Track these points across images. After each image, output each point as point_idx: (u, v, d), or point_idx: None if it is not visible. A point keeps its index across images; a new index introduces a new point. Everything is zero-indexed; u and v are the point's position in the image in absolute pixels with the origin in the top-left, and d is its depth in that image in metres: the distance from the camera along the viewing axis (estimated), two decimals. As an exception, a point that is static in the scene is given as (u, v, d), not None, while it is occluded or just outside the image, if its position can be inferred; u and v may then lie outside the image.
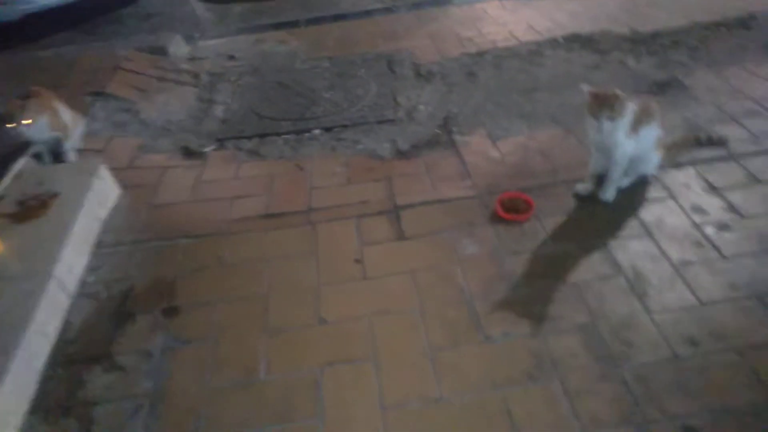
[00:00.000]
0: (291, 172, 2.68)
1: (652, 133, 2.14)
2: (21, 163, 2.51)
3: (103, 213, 2.39)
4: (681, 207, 2.18)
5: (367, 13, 4.79)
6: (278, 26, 4.71)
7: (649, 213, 2.17)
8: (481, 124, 2.89)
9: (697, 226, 2.08)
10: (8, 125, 2.45)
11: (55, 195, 2.27)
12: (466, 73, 3.47)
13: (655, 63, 3.22)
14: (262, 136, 3.05)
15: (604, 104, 1.93)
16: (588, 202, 2.26)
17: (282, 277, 2.08)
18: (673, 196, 2.23)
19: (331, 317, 1.91)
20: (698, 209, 2.16)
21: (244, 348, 1.83)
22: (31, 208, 2.21)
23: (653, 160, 2.22)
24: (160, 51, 3.98)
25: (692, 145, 2.41)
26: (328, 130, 3.05)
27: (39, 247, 2.05)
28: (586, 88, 1.99)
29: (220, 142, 3.01)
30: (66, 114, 2.71)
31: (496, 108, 3.03)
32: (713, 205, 2.17)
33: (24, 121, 2.45)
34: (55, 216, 2.18)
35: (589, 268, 1.98)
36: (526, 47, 3.65)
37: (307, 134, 3.03)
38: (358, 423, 1.60)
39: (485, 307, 1.89)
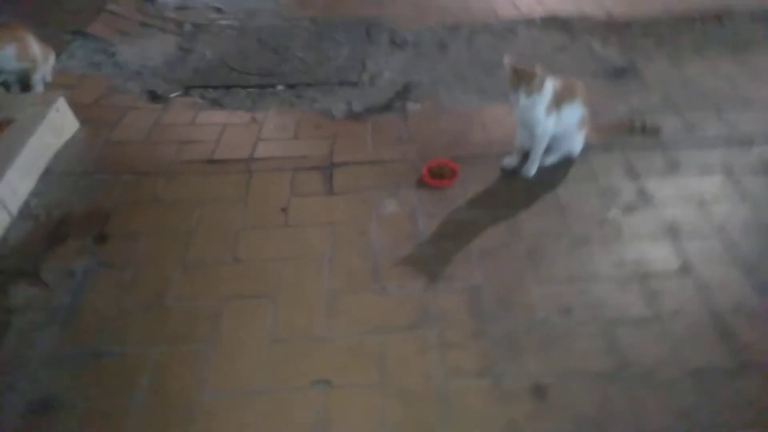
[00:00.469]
0: (244, 123, 2.78)
1: (575, 112, 2.21)
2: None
3: (57, 143, 2.52)
4: (598, 188, 2.26)
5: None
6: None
7: (565, 191, 2.26)
8: (437, 94, 2.96)
9: (605, 208, 2.17)
10: None
11: (9, 121, 2.40)
12: (438, 44, 3.52)
13: (620, 49, 3.24)
14: (228, 87, 3.15)
15: (521, 79, 2.00)
16: (512, 175, 2.35)
17: (210, 217, 2.21)
18: (593, 177, 2.31)
19: (244, 257, 2.04)
20: (612, 191, 2.24)
21: (158, 276, 1.98)
22: (-15, 131, 2.35)
23: (577, 140, 2.30)
24: (148, -2, 4.06)
25: (626, 130, 2.47)
26: (291, 87, 3.14)
27: (-15, 168, 2.19)
28: (507, 60, 2.06)
29: (187, 90, 3.12)
30: (35, 47, 2.82)
31: (456, 80, 3.09)
32: (628, 189, 2.25)
33: None
34: (5, 140, 2.31)
35: (494, 236, 2.08)
36: (502, 24, 3.68)
37: (270, 89, 3.12)
38: (245, 352, 1.74)
39: (390, 261, 2.01)
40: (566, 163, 2.38)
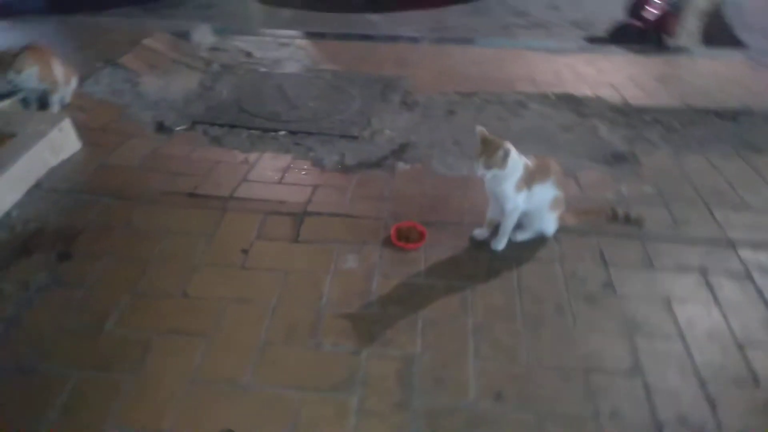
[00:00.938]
0: (236, 163, 2.86)
1: (547, 192, 2.17)
2: (4, 104, 2.81)
3: (54, 161, 2.65)
4: (562, 272, 2.19)
5: (394, 39, 4.99)
6: (310, 35, 4.97)
7: (528, 270, 2.19)
8: (430, 157, 2.97)
9: (565, 293, 2.09)
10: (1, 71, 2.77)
11: (12, 135, 2.54)
12: (447, 110, 3.57)
13: (625, 136, 3.20)
14: (232, 126, 3.26)
15: (486, 150, 1.99)
16: (480, 247, 2.31)
17: (172, 249, 2.25)
18: (560, 260, 2.24)
19: (193, 293, 2.06)
20: (577, 278, 2.16)
21: (105, 301, 2.00)
22: (-13, 143, 2.49)
23: (549, 220, 2.25)
24: (185, 36, 4.31)
25: (608, 218, 2.41)
26: (293, 133, 3.23)
27: (-23, 175, 2.32)
28: (479, 128, 2.06)
29: (194, 125, 3.25)
30: (58, 69, 3.02)
31: (453, 146, 3.11)
32: (594, 277, 2.16)
33: (14, 70, 2.77)
34: (1, 153, 2.44)
35: (444, 306, 2.03)
36: (515, 97, 3.72)
37: (272, 133, 3.21)
38: (162, 388, 1.72)
39: (332, 317, 1.98)
40: (537, 241, 2.32)
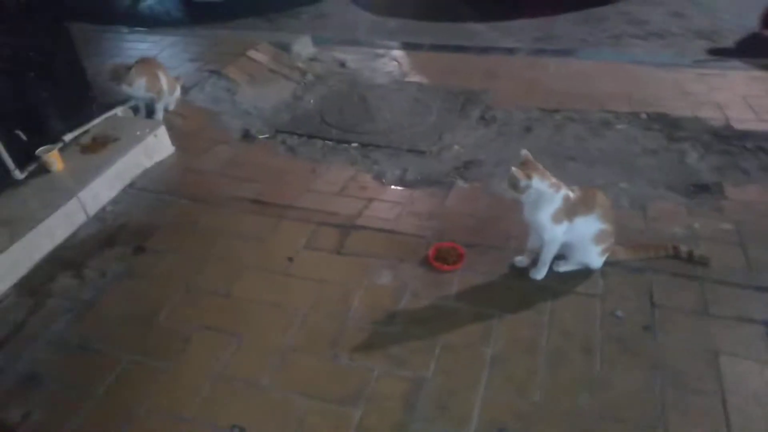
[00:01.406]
0: (304, 173, 3.03)
1: (590, 225, 2.07)
2: (116, 111, 3.24)
3: (148, 163, 3.01)
4: (601, 309, 2.07)
5: (489, 50, 4.92)
6: (406, 46, 5.07)
7: (563, 304, 2.11)
8: (492, 176, 2.94)
9: (598, 332, 1.98)
10: (114, 83, 3.19)
11: (116, 139, 2.93)
12: (525, 126, 3.48)
13: (716, 164, 2.92)
14: (310, 137, 3.46)
15: (521, 174, 1.96)
16: (520, 275, 2.25)
17: (227, 251, 2.47)
18: (602, 296, 2.12)
19: (236, 294, 2.25)
20: (615, 317, 2.04)
21: (162, 294, 2.26)
22: (95, 145, 2.90)
23: (592, 253, 2.14)
24: (286, 48, 4.61)
25: (668, 255, 2.24)
26: (364, 146, 3.35)
27: (81, 173, 2.71)
28: (524, 152, 2.03)
29: (276, 133, 3.49)
30: (164, 80, 3.40)
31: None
32: (635, 319, 2.02)
33: (126, 83, 3.18)
34: (105, 155, 2.83)
35: (465, 332, 2.03)
36: (602, 116, 3.52)
37: (344, 145, 3.36)
38: (192, 380, 1.92)
39: (354, 329, 2.06)
40: (581, 274, 2.22)
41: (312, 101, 3.97)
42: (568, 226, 2.07)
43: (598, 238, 2.10)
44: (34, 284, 2.34)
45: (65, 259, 2.46)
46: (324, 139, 3.43)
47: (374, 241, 2.48)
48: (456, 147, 3.30)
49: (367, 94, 4.03)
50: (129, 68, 3.23)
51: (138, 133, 3.00)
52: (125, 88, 3.23)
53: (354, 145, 3.36)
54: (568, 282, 2.20)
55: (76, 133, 2.95)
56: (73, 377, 1.96)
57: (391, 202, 2.76)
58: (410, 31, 5.74)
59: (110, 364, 1.99)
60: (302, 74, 4.39)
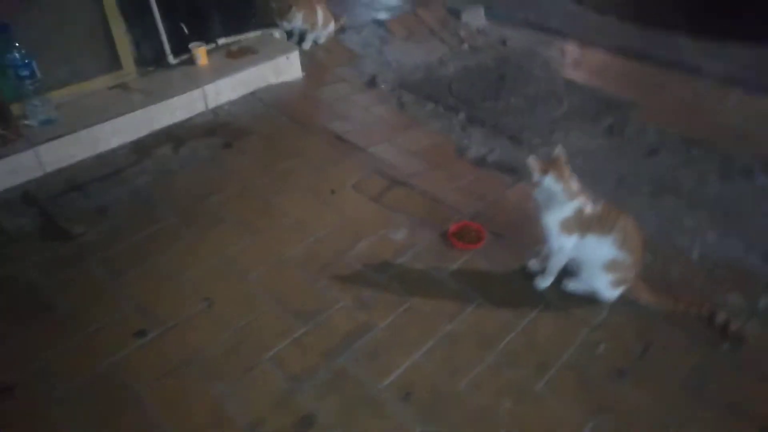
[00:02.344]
0: (398, 126, 3.17)
1: (602, 248, 1.91)
2: (273, 31, 3.68)
3: (273, 80, 3.41)
4: (585, 337, 1.92)
5: (669, 65, 4.38)
6: (585, 40, 4.73)
7: (547, 318, 2.00)
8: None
9: (564, 357, 1.85)
10: (276, 18, 3.64)
11: (255, 52, 3.37)
12: (650, 149, 3.12)
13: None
14: (426, 97, 3.55)
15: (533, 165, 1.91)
16: (527, 277, 2.16)
17: (290, 169, 2.77)
18: (594, 327, 1.96)
19: (274, 202, 2.55)
20: (593, 350, 1.88)
21: (223, 184, 2.65)
22: (238, 53, 3.38)
23: (602, 282, 1.97)
24: (455, 14, 4.69)
25: (700, 315, 1.96)
26: (470, 120, 3.35)
27: (216, 72, 3.20)
28: (558, 150, 1.96)
29: (398, 87, 3.65)
30: (320, 15, 3.77)
31: (615, 183, 2.80)
32: (614, 359, 1.84)
33: (286, 19, 3.61)
34: (241, 62, 3.28)
35: (436, 305, 2.05)
36: (745, 161, 3.03)
37: (453, 113, 3.40)
38: (200, 250, 2.26)
39: (343, 266, 2.21)
40: (588, 300, 2.05)
41: (452, 69, 4.02)
42: (578, 241, 1.93)
43: (610, 266, 1.93)
44: (143, 146, 2.88)
45: (173, 134, 2.97)
46: (435, 102, 3.50)
47: (411, 200, 2.56)
48: (558, 147, 3.13)
49: (507, 74, 3.96)
50: (290, 6, 3.62)
51: (274, 52, 3.39)
52: (285, 25, 3.65)
53: (461, 116, 3.38)
54: (569, 301, 2.06)
55: (228, 39, 3.44)
56: (128, 220, 2.42)
57: (454, 174, 2.78)
58: (605, 28, 5.30)
59: (157, 219, 2.43)
60: (459, 43, 4.43)
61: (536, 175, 1.89)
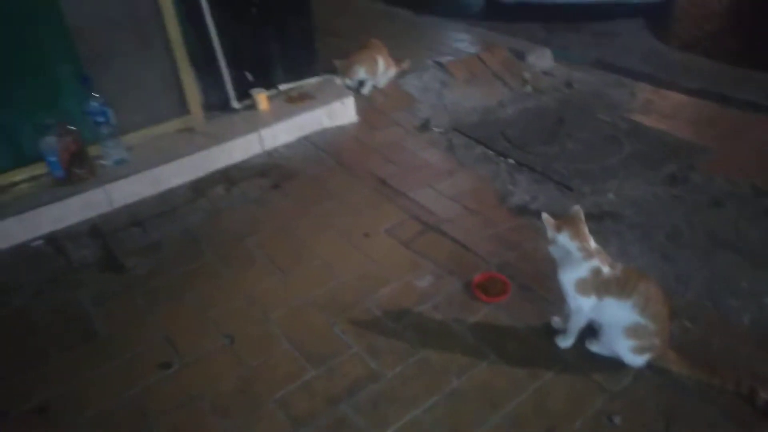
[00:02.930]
0: (441, 170, 3.19)
1: (622, 313, 1.80)
2: (335, 78, 3.86)
3: (328, 124, 3.55)
4: (601, 406, 1.80)
5: (760, 109, 4.07)
6: (661, 82, 4.50)
7: (565, 381, 1.90)
8: (619, 236, 2.64)
9: (579, 422, 1.75)
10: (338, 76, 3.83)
11: (311, 98, 3.55)
12: (715, 200, 2.91)
13: None
14: (478, 142, 3.55)
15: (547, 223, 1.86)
16: (549, 334, 2.08)
17: (329, 211, 2.85)
18: (613, 395, 1.83)
19: (309, 243, 2.63)
20: (607, 421, 1.76)
21: (263, 224, 2.79)
22: (297, 98, 3.56)
23: (623, 347, 1.85)
24: (521, 56, 4.65)
25: (738, 392, 1.79)
26: (519, 164, 3.30)
27: (274, 116, 3.40)
28: (575, 208, 1.92)
29: (450, 130, 3.67)
30: (381, 63, 3.91)
31: (664, 237, 2.64)
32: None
33: (348, 76, 3.81)
34: (297, 107, 3.47)
35: (448, 359, 2.01)
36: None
37: (501, 158, 3.37)
38: (230, 288, 2.38)
39: (363, 311, 2.24)
40: (612, 364, 1.93)
41: (510, 111, 3.99)
42: (596, 303, 1.84)
43: (632, 331, 1.81)
44: (200, 185, 3.10)
45: (229, 175, 3.17)
46: (486, 146, 3.48)
47: (441, 247, 2.55)
48: (610, 195, 3.00)
49: (567, 117, 3.86)
50: (353, 63, 3.79)
51: (330, 97, 3.55)
52: (348, 82, 3.83)
53: (510, 161, 3.33)
54: (591, 363, 1.95)
55: (289, 86, 3.65)
56: (175, 256, 2.61)
57: (490, 220, 2.74)
58: (689, 67, 4.99)
59: (199, 256, 2.59)
60: (522, 85, 4.39)
61: (550, 233, 1.83)
